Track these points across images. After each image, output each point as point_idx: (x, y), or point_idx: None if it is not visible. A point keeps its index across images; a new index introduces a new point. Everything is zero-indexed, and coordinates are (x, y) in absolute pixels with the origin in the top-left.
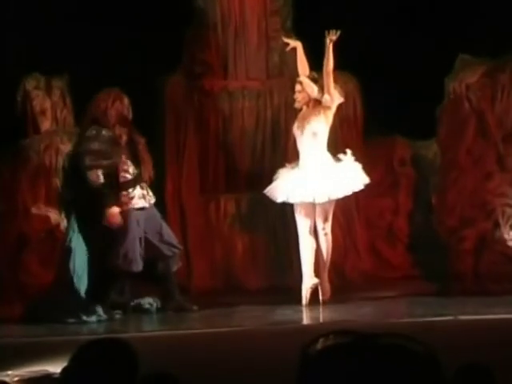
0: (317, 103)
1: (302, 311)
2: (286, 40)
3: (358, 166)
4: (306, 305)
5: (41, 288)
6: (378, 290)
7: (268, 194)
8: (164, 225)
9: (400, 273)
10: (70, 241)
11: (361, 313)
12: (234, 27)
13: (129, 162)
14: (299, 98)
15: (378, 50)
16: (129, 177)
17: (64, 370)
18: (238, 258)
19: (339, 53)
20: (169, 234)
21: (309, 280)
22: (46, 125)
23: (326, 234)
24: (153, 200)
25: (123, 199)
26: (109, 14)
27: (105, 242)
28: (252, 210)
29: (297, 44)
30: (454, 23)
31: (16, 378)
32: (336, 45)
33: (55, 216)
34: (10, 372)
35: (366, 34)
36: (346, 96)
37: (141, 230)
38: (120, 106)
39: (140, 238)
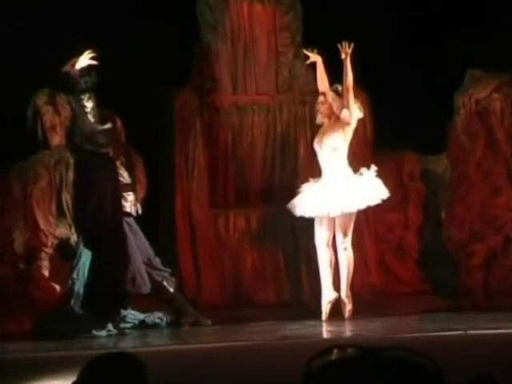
0: (337, 118)
1: (311, 326)
2: (307, 53)
3: (378, 181)
4: (325, 319)
5: (50, 303)
6: (388, 305)
7: (289, 209)
8: (152, 252)
9: (409, 288)
10: (80, 256)
11: (370, 328)
12: (243, 42)
13: (123, 169)
14: (322, 109)
15: (388, 64)
16: (124, 181)
17: None
18: (248, 273)
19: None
20: (156, 260)
21: (328, 294)
22: (56, 140)
23: (345, 249)
24: (139, 211)
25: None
26: (119, 30)
27: (111, 267)
28: (261, 225)
29: (317, 58)
30: (463, 38)
31: None
32: (352, 58)
33: (65, 231)
34: None
35: (375, 49)
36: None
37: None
38: (114, 126)
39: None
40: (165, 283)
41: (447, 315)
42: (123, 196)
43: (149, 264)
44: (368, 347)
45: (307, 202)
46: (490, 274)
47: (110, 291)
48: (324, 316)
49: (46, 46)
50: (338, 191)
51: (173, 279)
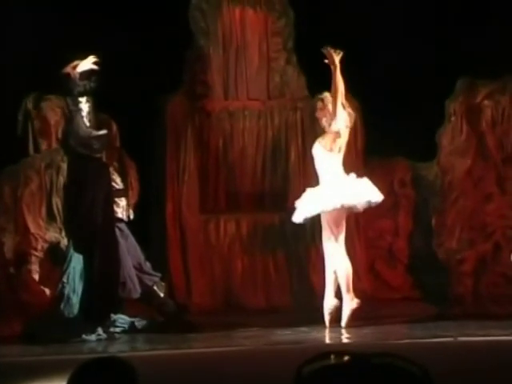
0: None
1: (301, 332)
2: (331, 51)
3: (373, 186)
4: (328, 326)
5: (40, 306)
6: (378, 311)
7: (298, 216)
8: (142, 256)
9: (399, 294)
10: (70, 260)
11: (360, 334)
12: (235, 48)
13: (116, 174)
14: (320, 115)
15: (379, 72)
16: (117, 186)
17: None
18: (238, 278)
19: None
20: (146, 264)
21: (329, 301)
22: (46, 144)
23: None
24: (131, 217)
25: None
26: (111, 35)
27: (102, 271)
28: (252, 230)
29: (336, 63)
30: (455, 46)
31: None
32: (342, 66)
33: (55, 234)
34: None
35: (367, 57)
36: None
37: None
38: (109, 132)
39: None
40: (155, 288)
41: (437, 322)
42: (115, 201)
43: (139, 269)
44: (357, 353)
45: (304, 206)
46: (479, 280)
47: (101, 296)
48: (327, 322)
49: (38, 50)
50: (333, 190)
51: (163, 284)
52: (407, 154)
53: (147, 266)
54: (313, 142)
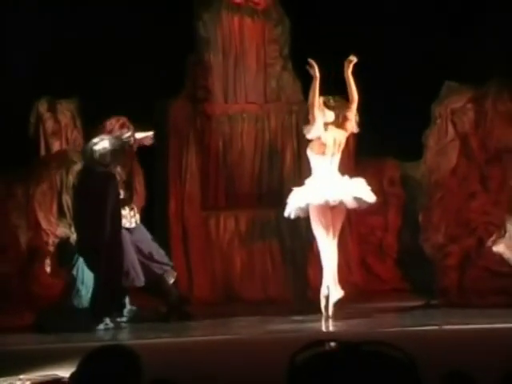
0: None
1: (296, 321)
2: (312, 63)
3: (366, 186)
4: (324, 312)
5: (50, 298)
6: (369, 302)
7: (287, 215)
8: (154, 245)
9: (389, 286)
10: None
11: (352, 323)
12: (234, 55)
13: (120, 184)
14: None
15: (370, 77)
16: (120, 196)
17: (73, 375)
18: (237, 272)
19: (334, 79)
20: (159, 253)
21: (324, 289)
22: (57, 145)
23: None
24: (138, 222)
25: None
26: (117, 42)
27: (107, 261)
28: (250, 226)
29: (317, 75)
30: (440, 53)
31: (28, 382)
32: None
33: (65, 230)
34: (21, 376)
35: (359, 63)
36: (342, 117)
37: (132, 248)
38: (126, 129)
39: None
40: (165, 276)
41: (424, 312)
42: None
43: (149, 257)
44: (347, 342)
45: (297, 201)
46: (464, 273)
47: (106, 289)
48: (324, 312)
49: (48, 58)
50: (330, 184)
51: (174, 273)
52: (396, 155)
53: (160, 254)
54: (307, 143)
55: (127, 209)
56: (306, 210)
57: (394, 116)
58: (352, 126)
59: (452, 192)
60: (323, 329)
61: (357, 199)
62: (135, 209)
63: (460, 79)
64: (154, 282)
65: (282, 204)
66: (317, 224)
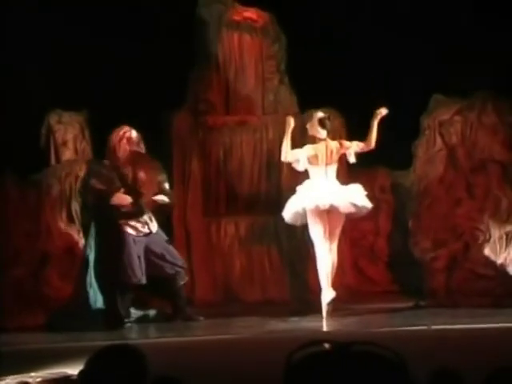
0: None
1: (293, 322)
2: (290, 119)
3: (362, 192)
4: (325, 317)
5: (61, 300)
6: (361, 303)
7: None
8: (168, 247)
9: (380, 288)
10: (88, 258)
11: (345, 323)
12: (234, 69)
13: (128, 198)
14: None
15: (363, 89)
16: (127, 209)
17: (81, 373)
18: (237, 274)
19: (327, 91)
20: (172, 254)
21: (325, 294)
22: (67, 155)
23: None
24: (152, 228)
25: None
26: (123, 58)
27: (108, 258)
28: (249, 231)
29: (291, 125)
30: (428, 66)
31: (38, 379)
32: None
33: (75, 235)
34: (32, 374)
35: (351, 75)
36: (333, 131)
37: (138, 248)
38: (126, 143)
39: (139, 256)
40: (176, 276)
41: (413, 312)
42: (128, 223)
43: (161, 258)
44: (339, 342)
45: (293, 205)
46: (451, 276)
47: (110, 290)
48: (324, 313)
49: (58, 72)
50: (323, 189)
51: (185, 277)
52: (387, 164)
53: (172, 255)
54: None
55: (145, 217)
56: (304, 215)
57: (385, 128)
58: (349, 152)
59: (439, 199)
60: (319, 329)
61: (353, 205)
62: (151, 216)
63: (447, 93)
64: (165, 282)
65: (280, 210)
66: (313, 228)
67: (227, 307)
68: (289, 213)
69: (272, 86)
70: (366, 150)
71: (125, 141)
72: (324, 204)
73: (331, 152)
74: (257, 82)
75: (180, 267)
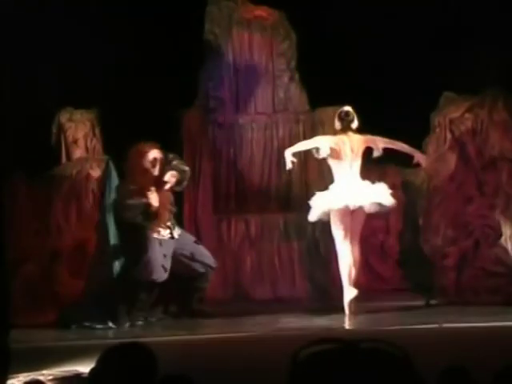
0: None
1: (303, 319)
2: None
3: (387, 191)
4: (348, 316)
5: (71, 297)
6: (372, 300)
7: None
8: (197, 246)
9: (390, 286)
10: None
11: (356, 321)
12: (244, 67)
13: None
14: None
15: (374, 87)
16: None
17: (92, 370)
18: (247, 272)
19: (337, 88)
20: (201, 253)
21: (346, 293)
22: (77, 153)
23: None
24: (176, 233)
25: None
26: (135, 56)
27: (131, 255)
28: (259, 229)
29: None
30: (440, 64)
31: (50, 377)
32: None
33: (84, 233)
34: (44, 371)
35: (362, 74)
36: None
37: (166, 248)
38: (143, 162)
39: (165, 255)
40: (206, 274)
41: (424, 310)
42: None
43: (191, 257)
44: (347, 339)
45: (318, 204)
46: (461, 273)
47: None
48: (347, 312)
49: (70, 71)
50: (350, 188)
51: (208, 276)
52: (397, 162)
53: (202, 255)
54: (313, 151)
55: (168, 223)
56: (329, 214)
57: (395, 125)
58: (374, 144)
59: (450, 196)
60: (329, 327)
61: (376, 204)
62: (169, 224)
63: (457, 91)
64: (188, 281)
65: (290, 208)
66: (336, 227)
67: (237, 305)
68: (317, 211)
69: (282, 83)
70: (388, 146)
71: (142, 159)
72: (354, 204)
73: (356, 147)
74: (267, 79)
75: (209, 266)
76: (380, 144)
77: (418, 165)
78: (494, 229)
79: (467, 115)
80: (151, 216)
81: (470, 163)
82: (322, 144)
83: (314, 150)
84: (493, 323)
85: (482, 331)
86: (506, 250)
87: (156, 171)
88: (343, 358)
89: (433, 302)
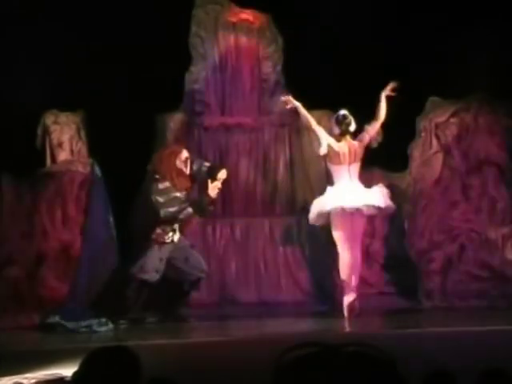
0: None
1: (288, 323)
2: (290, 99)
3: (385, 193)
4: (347, 319)
5: (56, 300)
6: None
7: (311, 223)
8: (192, 251)
9: (376, 290)
10: (82, 258)
11: (341, 325)
12: (230, 70)
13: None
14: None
15: (359, 90)
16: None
17: (75, 374)
18: (232, 275)
19: (323, 92)
20: (195, 258)
21: (346, 296)
22: (62, 155)
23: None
24: (173, 239)
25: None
26: (121, 59)
27: (131, 254)
28: (244, 233)
29: (296, 104)
30: (425, 69)
31: (33, 381)
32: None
33: (70, 236)
34: (27, 375)
35: (349, 77)
36: (330, 133)
37: (163, 252)
38: (177, 162)
39: (161, 259)
40: (197, 279)
41: (409, 314)
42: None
43: (185, 262)
44: (330, 344)
45: (320, 203)
46: (446, 277)
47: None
48: (346, 315)
49: (54, 73)
50: (346, 191)
51: (199, 284)
52: (383, 166)
53: (196, 260)
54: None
55: (174, 226)
56: (327, 217)
57: (381, 130)
58: (367, 138)
59: (435, 201)
60: (314, 331)
61: (373, 206)
62: (173, 229)
63: (443, 95)
64: (182, 283)
65: (275, 212)
66: (336, 230)
67: (222, 308)
68: (313, 214)
69: (268, 86)
70: (377, 126)
71: (173, 158)
72: (350, 207)
73: (354, 151)
74: (253, 83)
75: (202, 271)
76: (371, 133)
77: (394, 90)
78: (479, 233)
79: (453, 120)
80: (206, 207)
81: (455, 168)
82: (324, 137)
83: (316, 144)
84: (477, 327)
85: (466, 335)
86: (490, 255)
87: (188, 170)
88: (326, 361)
89: (418, 306)
